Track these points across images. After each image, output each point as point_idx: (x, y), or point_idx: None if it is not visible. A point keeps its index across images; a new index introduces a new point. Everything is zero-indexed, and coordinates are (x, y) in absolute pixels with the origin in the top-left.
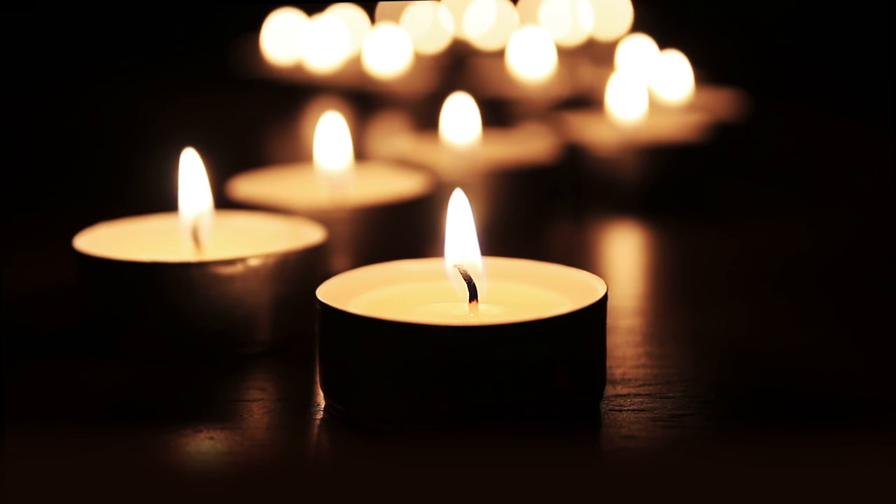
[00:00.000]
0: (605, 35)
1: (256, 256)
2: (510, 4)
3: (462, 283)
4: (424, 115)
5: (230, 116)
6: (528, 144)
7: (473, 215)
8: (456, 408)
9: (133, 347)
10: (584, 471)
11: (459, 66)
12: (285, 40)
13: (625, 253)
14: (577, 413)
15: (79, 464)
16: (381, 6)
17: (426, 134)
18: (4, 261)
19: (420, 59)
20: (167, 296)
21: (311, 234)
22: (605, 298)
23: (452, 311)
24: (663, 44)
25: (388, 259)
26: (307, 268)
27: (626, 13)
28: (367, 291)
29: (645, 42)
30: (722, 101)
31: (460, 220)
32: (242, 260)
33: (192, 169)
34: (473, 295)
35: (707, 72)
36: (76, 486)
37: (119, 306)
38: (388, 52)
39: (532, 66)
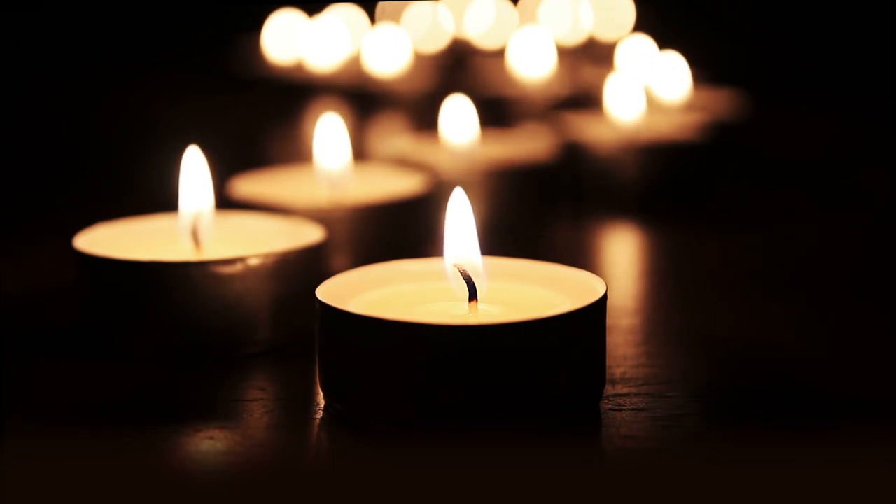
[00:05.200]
0: (605, 35)
1: (256, 256)
2: (510, 4)
3: (462, 283)
4: (424, 115)
5: (230, 116)
6: (528, 144)
7: (473, 215)
8: (456, 407)
9: (133, 347)
10: (584, 471)
11: (459, 66)
12: (285, 40)
13: (624, 252)
14: (577, 413)
15: (78, 464)
16: (381, 6)
17: (425, 134)
18: (4, 261)
19: (420, 59)
20: (167, 296)
21: (310, 234)
22: (604, 298)
23: (452, 311)
24: (663, 44)
25: (388, 259)
26: (307, 267)
27: (628, 13)
28: (366, 291)
29: (644, 42)
30: (721, 101)
31: (460, 220)
32: (242, 260)
33: (194, 168)
34: (473, 295)
35: (706, 71)
36: (76, 486)
37: (119, 306)
38: (388, 52)
39: (532, 66)
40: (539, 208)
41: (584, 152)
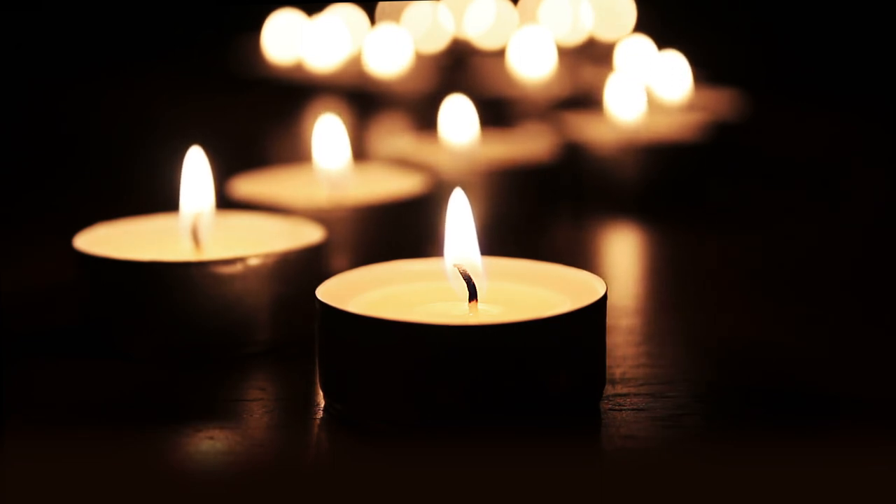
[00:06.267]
0: (605, 35)
1: (256, 256)
2: (510, 4)
3: (462, 283)
4: (424, 115)
5: (230, 116)
6: (528, 144)
7: (473, 215)
8: (455, 407)
9: (133, 347)
10: (584, 471)
11: (459, 66)
12: (285, 40)
13: (624, 252)
14: (577, 413)
15: (78, 464)
16: (381, 6)
17: (425, 134)
18: (4, 261)
19: (420, 59)
20: (167, 296)
21: (310, 234)
22: (604, 298)
23: (452, 311)
24: (663, 43)
25: (388, 259)
26: (307, 267)
27: (629, 13)
28: (366, 291)
29: (644, 42)
30: (721, 101)
31: (460, 220)
32: (242, 260)
33: (194, 168)
34: (473, 295)
35: (706, 71)
36: (75, 486)
37: (119, 306)
38: (388, 52)
39: (532, 66)
40: (539, 208)
41: (584, 152)
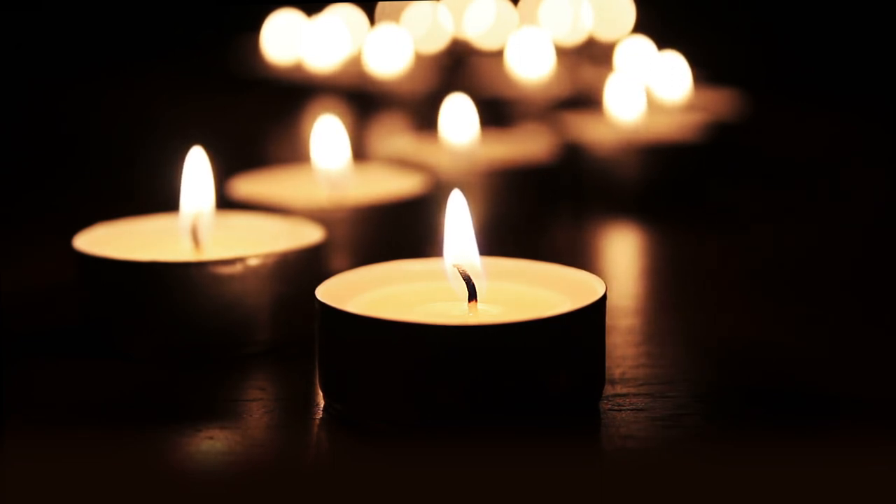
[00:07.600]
0: (605, 35)
1: (256, 256)
2: (510, 4)
3: (461, 283)
4: (424, 115)
5: (230, 116)
6: (528, 144)
7: (472, 215)
8: (456, 407)
9: (133, 347)
10: (584, 471)
11: (459, 66)
12: (285, 40)
13: (624, 252)
14: (577, 413)
15: (78, 464)
16: (381, 6)
17: (425, 134)
18: (4, 261)
19: (420, 59)
20: (167, 296)
21: (310, 234)
22: (604, 298)
23: (452, 311)
24: (663, 43)
25: (388, 259)
26: (307, 267)
27: (629, 13)
28: (366, 291)
29: (644, 42)
30: (721, 101)
31: (459, 220)
32: (242, 260)
33: (195, 168)
34: (473, 295)
35: (706, 71)
36: (75, 486)
37: (119, 306)
38: (388, 52)
39: (532, 66)
40: (539, 208)
41: (584, 152)
